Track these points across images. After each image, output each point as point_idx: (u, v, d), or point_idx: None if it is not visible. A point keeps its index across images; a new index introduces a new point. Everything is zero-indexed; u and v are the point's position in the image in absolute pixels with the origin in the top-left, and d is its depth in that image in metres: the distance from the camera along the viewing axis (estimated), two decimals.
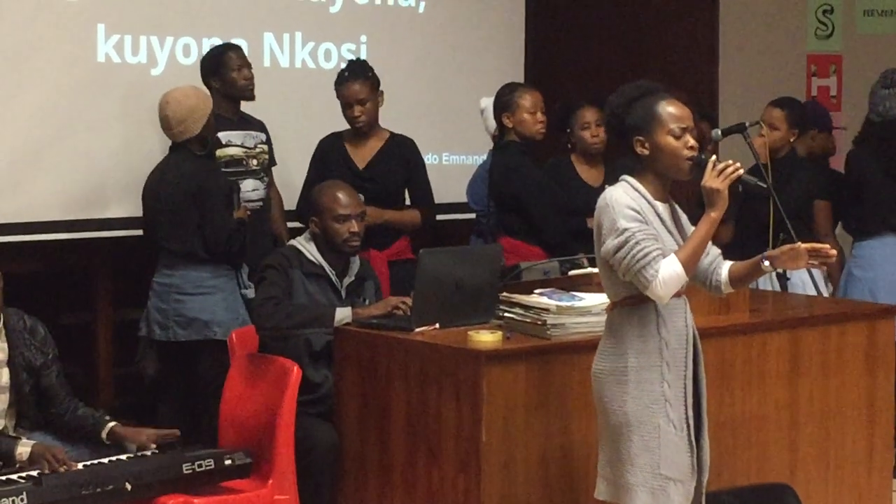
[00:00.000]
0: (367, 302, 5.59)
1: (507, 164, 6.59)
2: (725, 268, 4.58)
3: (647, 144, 4.37)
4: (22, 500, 4.58)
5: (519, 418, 4.85)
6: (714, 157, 4.37)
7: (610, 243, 4.31)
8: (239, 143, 6.56)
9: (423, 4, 7.93)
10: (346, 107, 6.59)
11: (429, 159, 7.32)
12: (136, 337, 6.38)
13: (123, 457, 5.04)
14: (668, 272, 4.28)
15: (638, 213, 4.33)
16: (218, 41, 6.90)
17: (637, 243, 4.27)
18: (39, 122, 6.58)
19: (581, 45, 9.03)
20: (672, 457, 4.36)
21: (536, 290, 5.18)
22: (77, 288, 7.20)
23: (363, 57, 7.48)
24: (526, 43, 8.37)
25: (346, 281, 5.61)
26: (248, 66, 6.66)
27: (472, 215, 7.13)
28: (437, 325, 5.18)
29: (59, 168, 6.64)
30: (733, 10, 8.92)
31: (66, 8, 6.65)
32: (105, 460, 4.96)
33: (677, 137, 4.36)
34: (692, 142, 4.38)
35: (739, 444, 5.42)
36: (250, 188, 6.55)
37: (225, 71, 6.57)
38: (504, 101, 6.64)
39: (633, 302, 4.38)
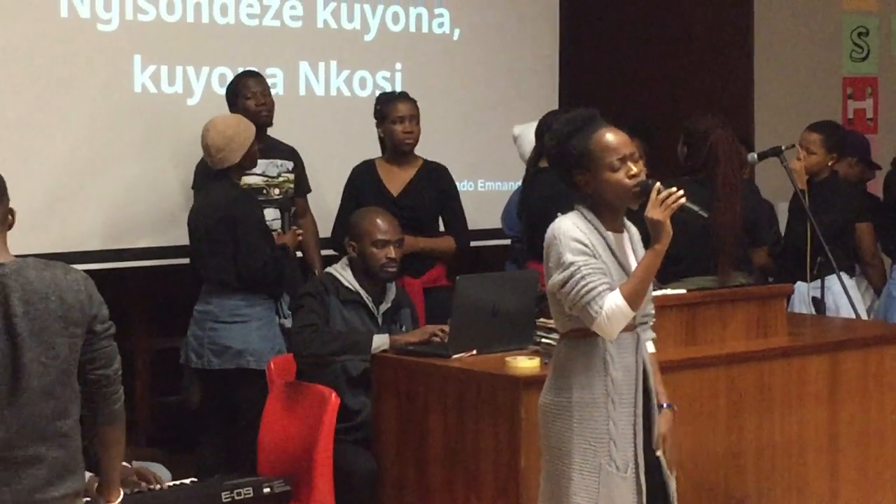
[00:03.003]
0: (403, 329, 5.60)
1: (543, 191, 6.56)
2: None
3: (589, 182, 4.25)
4: None
5: None
6: (658, 184, 4.21)
7: (556, 277, 4.19)
8: (260, 172, 6.55)
9: (457, 31, 7.95)
10: (397, 122, 6.55)
11: (464, 186, 7.33)
12: (172, 366, 6.40)
13: (165, 485, 5.04)
14: (611, 307, 4.12)
15: (586, 246, 4.20)
16: (253, 69, 6.93)
17: (582, 278, 4.14)
18: (77, 152, 6.62)
19: (615, 70, 9.04)
20: (612, 499, 4.20)
21: None
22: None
23: (398, 85, 7.52)
24: (560, 69, 8.37)
25: (383, 307, 5.61)
26: (266, 92, 6.65)
27: (507, 241, 7.12)
28: (475, 352, 5.18)
29: (97, 198, 6.68)
30: (768, 34, 8.92)
31: (103, 38, 6.70)
32: (145, 489, 4.96)
33: (616, 170, 4.22)
34: (634, 169, 4.23)
35: (779, 468, 5.38)
36: (270, 217, 6.52)
37: (239, 99, 6.59)
38: (546, 126, 6.59)
39: (579, 335, 4.25)
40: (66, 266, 3.84)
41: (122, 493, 4.11)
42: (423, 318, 6.07)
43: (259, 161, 6.48)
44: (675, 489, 4.38)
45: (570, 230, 4.22)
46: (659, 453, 4.34)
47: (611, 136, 4.25)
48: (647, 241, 4.28)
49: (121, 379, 3.99)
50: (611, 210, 4.29)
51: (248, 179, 6.49)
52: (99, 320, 3.89)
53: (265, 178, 6.61)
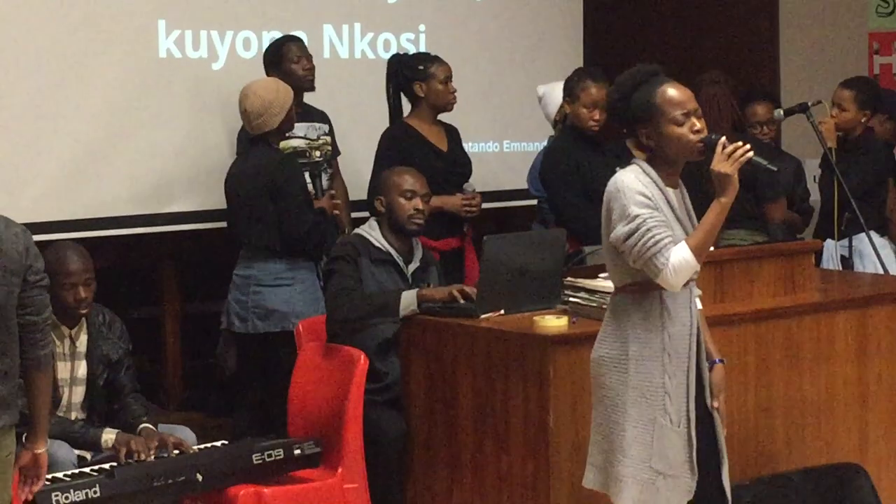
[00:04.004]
0: (431, 286, 5.60)
1: (549, 147, 6.56)
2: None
3: (651, 135, 4.27)
4: (95, 492, 4.63)
5: (586, 402, 4.83)
6: (723, 138, 4.24)
7: (620, 230, 4.21)
8: (302, 135, 6.57)
9: None
10: (444, 83, 6.54)
11: (489, 147, 7.34)
12: (202, 330, 6.42)
13: (193, 448, 5.08)
14: (677, 260, 4.16)
15: (649, 199, 4.22)
16: (278, 34, 6.92)
17: (648, 230, 4.16)
18: (103, 119, 6.63)
19: (640, 29, 9.00)
20: (665, 451, 4.24)
21: (601, 275, 5.17)
22: (145, 282, 7.27)
23: (422, 47, 7.51)
24: (584, 28, 8.34)
25: (412, 267, 5.63)
26: (309, 57, 6.66)
27: (534, 202, 7.12)
28: (503, 311, 5.19)
29: (125, 164, 6.69)
30: None
31: (127, 5, 6.69)
32: (175, 452, 5.00)
33: (680, 124, 4.24)
34: (697, 124, 4.25)
35: (809, 424, 5.39)
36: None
37: (285, 63, 6.58)
38: (568, 87, 6.57)
39: (637, 289, 4.28)
40: (7, 220, 4.20)
41: (47, 441, 4.40)
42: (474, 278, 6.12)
43: (299, 124, 6.49)
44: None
45: (634, 183, 4.24)
46: (716, 404, 4.39)
47: (675, 91, 4.28)
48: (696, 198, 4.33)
49: (49, 329, 4.33)
50: (670, 165, 4.31)
51: (290, 143, 6.50)
52: (33, 271, 4.23)
53: (307, 141, 6.62)
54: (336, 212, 6.42)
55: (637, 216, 4.18)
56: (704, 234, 4.23)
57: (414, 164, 5.98)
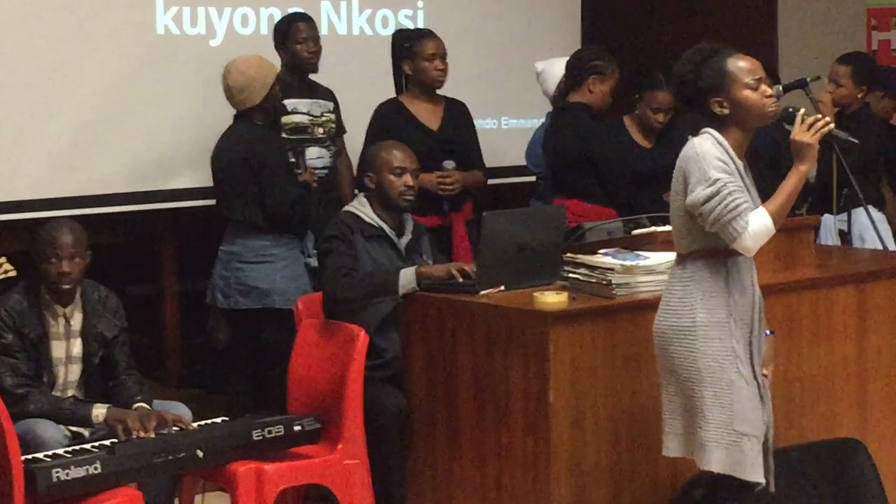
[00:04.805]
0: (424, 257, 5.61)
1: (577, 126, 6.55)
2: None
3: (725, 103, 4.36)
4: (96, 468, 4.63)
5: (586, 378, 4.87)
6: (802, 110, 4.39)
7: (700, 193, 4.28)
8: (305, 111, 6.57)
9: None
10: (430, 59, 6.53)
11: (488, 123, 7.33)
12: (201, 307, 6.43)
13: (192, 425, 5.08)
14: (757, 225, 4.28)
15: (726, 165, 4.32)
16: (275, 10, 6.93)
17: (730, 194, 4.26)
18: (101, 95, 6.62)
19: (637, 6, 8.98)
20: (745, 412, 4.35)
21: (600, 251, 5.18)
22: (143, 259, 7.26)
23: (420, 22, 7.49)
24: (583, 5, 8.32)
25: (405, 240, 5.62)
26: (316, 38, 6.63)
27: (531, 178, 7.11)
28: (503, 288, 5.19)
29: (122, 141, 6.68)
30: None
31: None
32: (175, 429, 5.01)
33: (754, 89, 4.36)
34: (769, 90, 4.39)
35: (808, 400, 5.40)
36: (315, 156, 6.56)
37: (290, 42, 6.58)
38: (598, 65, 6.53)
39: (705, 255, 4.37)
40: None
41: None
42: (467, 254, 6.11)
43: (304, 100, 6.53)
44: None
45: (712, 149, 4.34)
46: (766, 371, 4.50)
47: (745, 59, 4.41)
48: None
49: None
50: (742, 132, 4.40)
51: (293, 118, 6.52)
52: None
53: (310, 118, 6.61)
54: (314, 184, 6.40)
55: (717, 180, 4.27)
56: (784, 200, 4.35)
57: (401, 140, 5.96)
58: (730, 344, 4.35)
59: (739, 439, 4.34)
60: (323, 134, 6.64)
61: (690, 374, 4.37)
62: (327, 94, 6.74)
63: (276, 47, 6.61)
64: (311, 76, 6.69)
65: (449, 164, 6.42)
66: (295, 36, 6.58)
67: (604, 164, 6.47)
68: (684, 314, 4.39)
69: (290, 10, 6.86)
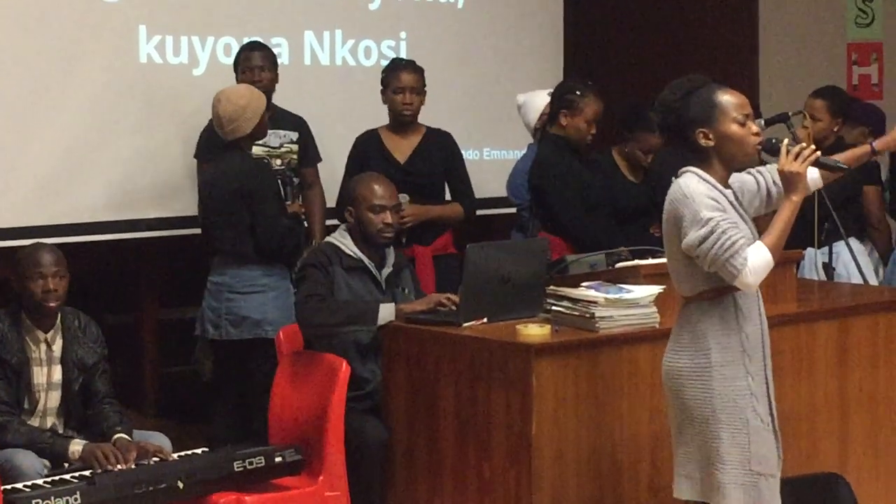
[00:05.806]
0: (406, 291, 5.59)
1: (539, 157, 6.55)
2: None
3: (711, 135, 4.30)
4: (76, 499, 4.60)
5: (569, 411, 4.85)
6: (787, 140, 4.34)
7: (694, 235, 4.22)
8: (261, 143, 6.53)
9: (461, 0, 7.92)
10: (397, 92, 6.56)
11: (469, 154, 7.32)
12: (180, 336, 6.41)
13: (172, 455, 5.06)
14: (757, 260, 4.22)
15: (718, 202, 4.26)
16: (259, 41, 6.92)
17: (724, 232, 4.19)
18: (83, 123, 6.61)
19: (620, 39, 9.01)
20: (762, 452, 4.30)
21: (583, 283, 5.17)
22: (122, 288, 7.24)
23: (403, 53, 7.50)
24: (566, 38, 8.35)
25: (385, 272, 5.61)
26: (269, 66, 6.62)
27: (513, 210, 7.11)
28: (485, 320, 5.18)
29: (104, 169, 6.68)
30: (773, 1, 8.89)
31: (108, 9, 6.69)
32: (155, 459, 4.98)
33: (742, 125, 4.30)
34: (755, 127, 4.34)
35: (789, 434, 5.35)
36: None
37: (239, 71, 6.59)
38: (568, 99, 6.52)
39: (712, 295, 4.31)
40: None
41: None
42: (433, 287, 6.07)
43: None
44: None
45: (699, 187, 4.27)
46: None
47: (735, 94, 4.36)
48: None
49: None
50: (725, 168, 4.34)
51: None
52: None
53: (267, 149, 6.60)
54: (303, 215, 6.39)
55: (710, 219, 4.21)
56: (779, 233, 4.29)
57: (372, 171, 5.96)
58: (745, 382, 4.30)
59: (756, 479, 4.29)
60: (281, 165, 6.62)
61: (706, 414, 4.30)
62: (294, 124, 6.73)
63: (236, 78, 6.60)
64: (281, 106, 6.66)
65: (403, 197, 6.36)
66: (244, 64, 6.59)
67: (551, 197, 6.40)
68: (698, 354, 4.32)
69: (272, 40, 6.86)
